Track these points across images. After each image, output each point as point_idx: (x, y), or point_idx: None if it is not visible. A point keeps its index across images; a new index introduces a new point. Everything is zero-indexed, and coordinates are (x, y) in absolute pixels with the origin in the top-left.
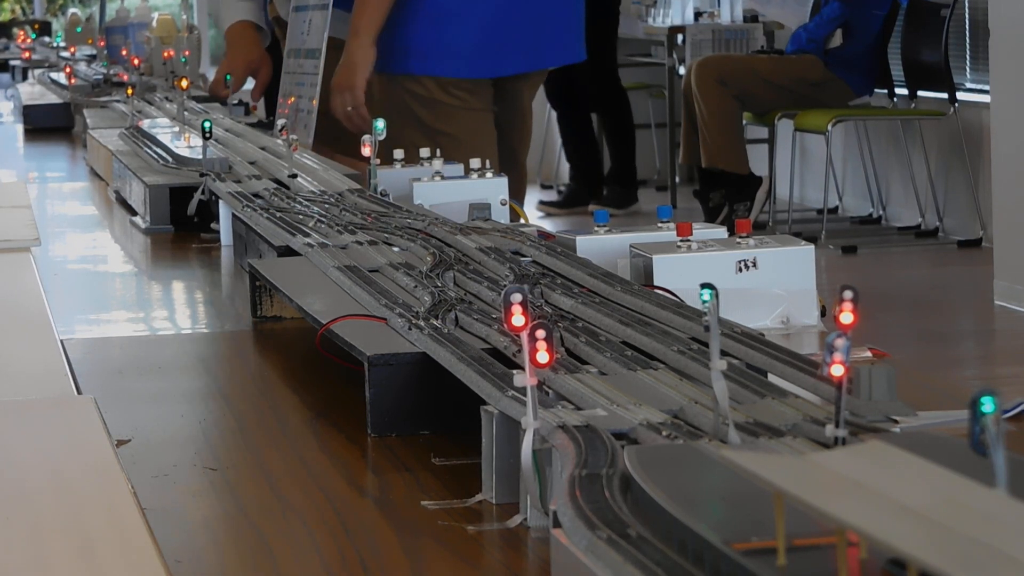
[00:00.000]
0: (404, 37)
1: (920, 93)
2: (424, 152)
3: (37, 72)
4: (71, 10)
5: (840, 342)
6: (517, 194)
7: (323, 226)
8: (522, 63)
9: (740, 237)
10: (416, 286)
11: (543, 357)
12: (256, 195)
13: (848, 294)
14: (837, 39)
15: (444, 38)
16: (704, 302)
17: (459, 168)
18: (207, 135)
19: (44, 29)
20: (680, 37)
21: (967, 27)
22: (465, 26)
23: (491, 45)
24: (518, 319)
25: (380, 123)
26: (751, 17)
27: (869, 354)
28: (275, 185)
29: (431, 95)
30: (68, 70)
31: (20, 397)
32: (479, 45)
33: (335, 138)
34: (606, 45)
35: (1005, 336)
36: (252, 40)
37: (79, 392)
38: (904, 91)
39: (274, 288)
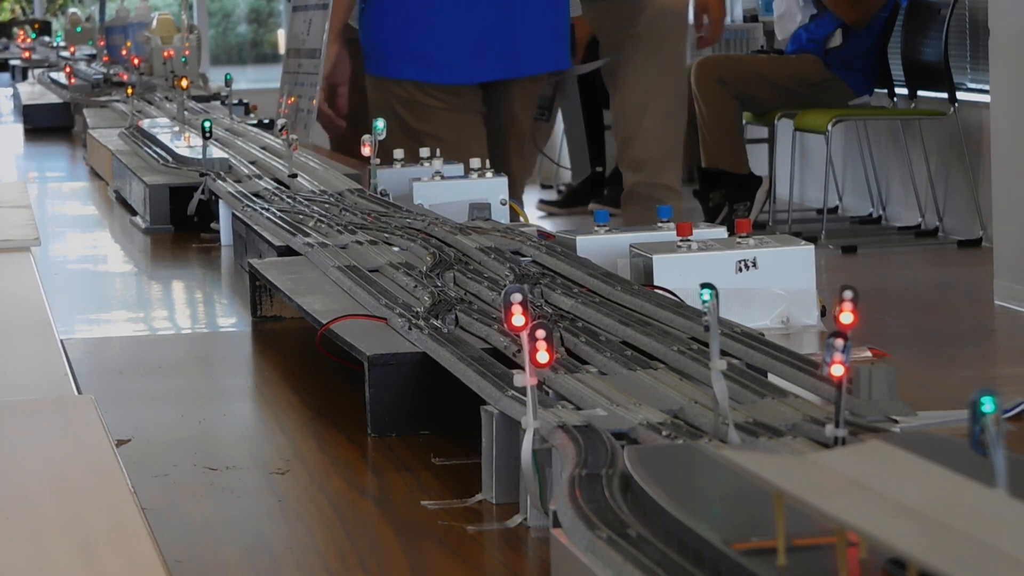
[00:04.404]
0: (384, 40)
1: (920, 93)
2: (424, 152)
3: (37, 72)
4: (71, 10)
5: (840, 342)
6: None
7: (323, 226)
8: (497, 70)
9: (740, 237)
10: (416, 286)
11: (543, 357)
12: (256, 195)
13: (848, 294)
14: (837, 39)
15: (418, 43)
16: (704, 302)
17: (459, 168)
18: (207, 135)
19: (44, 29)
20: None
21: (967, 27)
22: (437, 32)
23: (464, 52)
24: (518, 319)
25: (380, 123)
26: (751, 17)
27: (869, 354)
28: (275, 185)
29: (412, 97)
30: (68, 70)
31: (20, 397)
32: (452, 51)
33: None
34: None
35: (1005, 336)
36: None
37: (79, 392)
38: (904, 91)
39: (274, 288)
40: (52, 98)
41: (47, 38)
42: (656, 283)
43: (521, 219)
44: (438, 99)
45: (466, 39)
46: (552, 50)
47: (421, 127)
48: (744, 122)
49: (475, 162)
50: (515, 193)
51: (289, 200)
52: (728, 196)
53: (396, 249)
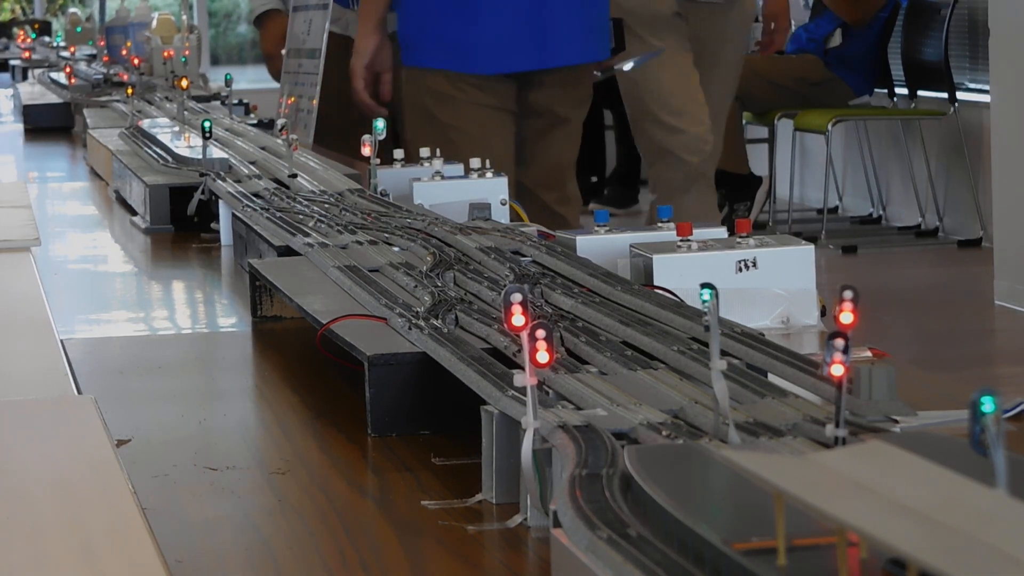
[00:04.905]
0: (417, 30)
1: (920, 93)
2: (424, 152)
3: (37, 72)
4: (71, 10)
5: (840, 342)
6: (536, 197)
7: (323, 226)
8: (530, 60)
9: (740, 237)
10: (416, 286)
11: (543, 357)
12: (256, 195)
13: (848, 294)
14: (837, 39)
15: (450, 32)
16: (704, 302)
17: (459, 168)
18: (207, 135)
19: (44, 29)
20: None
21: (967, 27)
22: (470, 21)
23: (496, 41)
24: (518, 319)
25: (380, 123)
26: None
27: (869, 354)
28: (275, 185)
29: (441, 89)
30: (68, 70)
31: (20, 397)
32: (484, 41)
33: (335, 136)
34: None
35: (1005, 336)
36: (283, 22)
37: (79, 392)
38: (904, 91)
39: (274, 288)
40: (52, 98)
41: (47, 38)
42: (656, 283)
43: (521, 219)
44: (467, 92)
45: (499, 28)
46: (588, 41)
47: (447, 119)
48: (744, 122)
49: (475, 162)
50: (567, 181)
51: (289, 200)
52: (728, 196)
53: (396, 249)
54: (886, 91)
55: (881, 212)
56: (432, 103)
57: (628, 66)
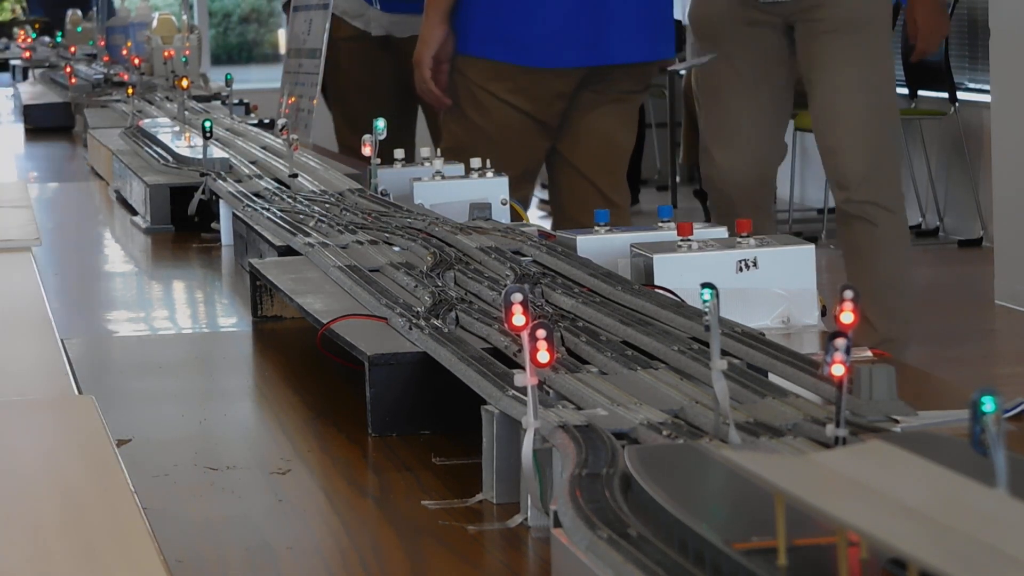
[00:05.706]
0: (475, 19)
1: (920, 93)
2: (424, 152)
3: (37, 72)
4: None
5: (841, 342)
6: (587, 180)
7: (324, 226)
8: (587, 56)
9: (740, 237)
10: (417, 286)
11: (543, 357)
12: (257, 195)
13: (848, 294)
14: None
15: (505, 21)
16: (704, 302)
17: (459, 168)
18: (208, 134)
19: (46, 28)
20: None
21: (967, 27)
22: (531, 12)
23: (555, 34)
24: (518, 319)
25: (380, 123)
26: None
27: (869, 354)
28: (276, 185)
29: (475, 81)
30: (68, 70)
31: (20, 397)
32: (544, 33)
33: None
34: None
35: (1005, 336)
36: None
37: (79, 392)
38: (904, 91)
39: (274, 288)
40: (53, 98)
41: (47, 38)
42: (656, 283)
43: (522, 218)
44: (498, 86)
45: (560, 22)
46: (648, 40)
47: (474, 115)
48: None
49: (475, 162)
50: (621, 166)
51: (290, 200)
52: None
53: (397, 249)
54: None
55: None
56: (464, 95)
57: (681, 68)
